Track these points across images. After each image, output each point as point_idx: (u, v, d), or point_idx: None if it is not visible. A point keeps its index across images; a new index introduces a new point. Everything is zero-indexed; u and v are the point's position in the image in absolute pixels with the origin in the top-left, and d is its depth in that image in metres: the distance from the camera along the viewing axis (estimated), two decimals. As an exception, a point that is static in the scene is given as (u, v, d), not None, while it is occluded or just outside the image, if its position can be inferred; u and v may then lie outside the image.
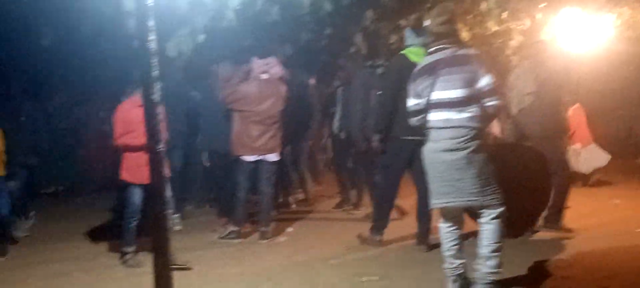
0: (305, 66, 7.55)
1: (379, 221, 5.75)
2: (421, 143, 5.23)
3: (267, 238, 6.11)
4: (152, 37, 3.79)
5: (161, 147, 3.87)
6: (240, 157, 6.09)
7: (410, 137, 5.31)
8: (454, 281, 4.31)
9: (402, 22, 6.54)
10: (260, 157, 6.10)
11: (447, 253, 4.31)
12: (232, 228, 6.15)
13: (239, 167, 6.12)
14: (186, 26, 5.70)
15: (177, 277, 3.81)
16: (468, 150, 4.07)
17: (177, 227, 6.39)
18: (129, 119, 5.11)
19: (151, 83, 3.78)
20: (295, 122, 6.81)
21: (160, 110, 3.94)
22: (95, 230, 6.75)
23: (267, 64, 6.09)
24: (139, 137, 4.72)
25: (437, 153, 4.18)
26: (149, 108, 3.85)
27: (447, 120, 4.12)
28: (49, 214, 7.52)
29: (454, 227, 4.29)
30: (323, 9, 5.94)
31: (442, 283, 4.60)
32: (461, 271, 4.31)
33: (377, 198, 5.90)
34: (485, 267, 4.19)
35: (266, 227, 6.16)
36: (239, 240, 6.09)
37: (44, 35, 5.80)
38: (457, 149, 4.09)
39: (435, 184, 4.24)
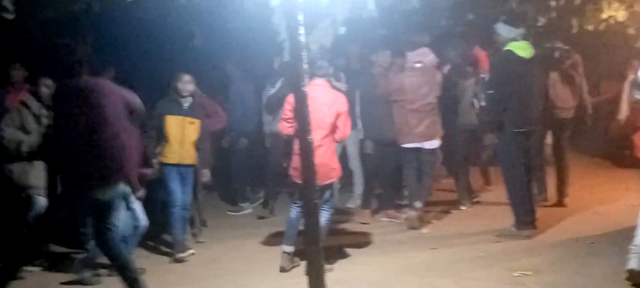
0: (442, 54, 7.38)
1: (522, 216, 5.66)
2: (532, 133, 5.60)
3: (415, 228, 6.13)
4: (301, 31, 3.90)
5: (311, 138, 3.99)
6: (402, 145, 6.25)
7: (522, 129, 5.58)
8: None
9: (552, 3, 6.17)
10: (419, 144, 6.21)
11: None
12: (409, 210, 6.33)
13: (402, 155, 6.30)
14: (327, 19, 5.75)
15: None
16: None
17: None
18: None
19: (301, 75, 3.88)
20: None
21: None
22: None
23: (420, 54, 6.20)
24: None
25: None
26: (299, 100, 3.95)
27: None
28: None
29: None
30: (466, -6, 5.77)
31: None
32: None
33: (511, 196, 5.77)
34: None
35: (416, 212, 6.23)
36: (423, 226, 6.18)
37: (195, 36, 6.14)
38: None
39: None
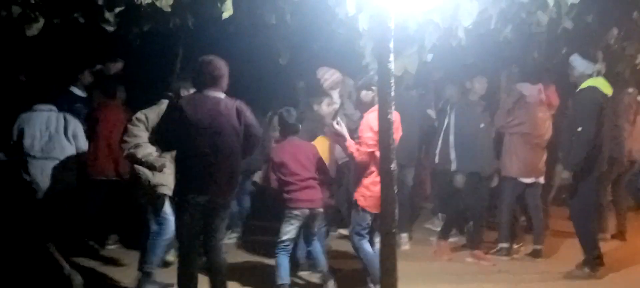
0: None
1: (595, 256, 5.56)
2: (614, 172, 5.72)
3: (510, 256, 6.18)
4: (391, 58, 3.86)
5: (394, 166, 3.93)
6: (516, 178, 6.17)
7: (605, 169, 5.69)
8: None
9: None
10: (536, 180, 6.22)
11: None
12: (502, 244, 6.23)
13: (511, 188, 6.19)
14: (414, 45, 5.69)
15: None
16: None
17: (405, 247, 6.33)
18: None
19: (389, 102, 3.84)
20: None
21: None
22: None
23: (541, 89, 6.22)
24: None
25: None
26: (384, 126, 3.91)
27: None
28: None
29: None
30: (562, 27, 5.55)
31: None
32: None
33: (585, 236, 5.66)
34: None
35: (540, 244, 6.26)
36: (508, 257, 6.16)
37: (282, 56, 6.24)
38: None
39: None
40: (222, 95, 4.24)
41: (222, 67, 4.23)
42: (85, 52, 6.32)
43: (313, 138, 5.35)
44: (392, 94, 3.87)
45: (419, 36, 5.53)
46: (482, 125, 6.14)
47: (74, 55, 6.27)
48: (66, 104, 5.93)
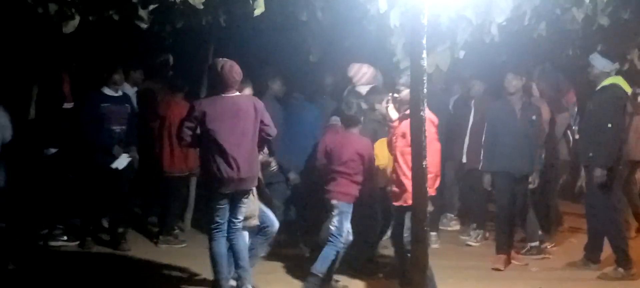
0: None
1: (624, 253, 5.49)
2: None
3: (541, 255, 6.08)
4: (424, 55, 3.83)
5: (425, 163, 3.91)
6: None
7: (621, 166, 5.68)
8: None
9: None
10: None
11: None
12: (531, 243, 6.17)
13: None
14: (446, 41, 5.64)
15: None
16: None
17: (435, 246, 6.23)
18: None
19: (422, 99, 3.82)
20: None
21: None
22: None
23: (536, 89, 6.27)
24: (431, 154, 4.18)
25: None
26: (416, 124, 3.89)
27: None
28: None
29: None
30: (597, 24, 5.44)
31: None
32: None
33: (615, 235, 5.59)
34: None
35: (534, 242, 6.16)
36: (540, 256, 6.07)
37: (313, 53, 6.26)
38: None
39: None
40: (237, 94, 4.57)
41: (240, 71, 4.56)
42: (120, 49, 6.41)
43: (375, 139, 5.36)
44: (425, 91, 3.84)
45: (451, 33, 5.49)
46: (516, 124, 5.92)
47: (109, 52, 6.36)
48: (93, 104, 5.84)
